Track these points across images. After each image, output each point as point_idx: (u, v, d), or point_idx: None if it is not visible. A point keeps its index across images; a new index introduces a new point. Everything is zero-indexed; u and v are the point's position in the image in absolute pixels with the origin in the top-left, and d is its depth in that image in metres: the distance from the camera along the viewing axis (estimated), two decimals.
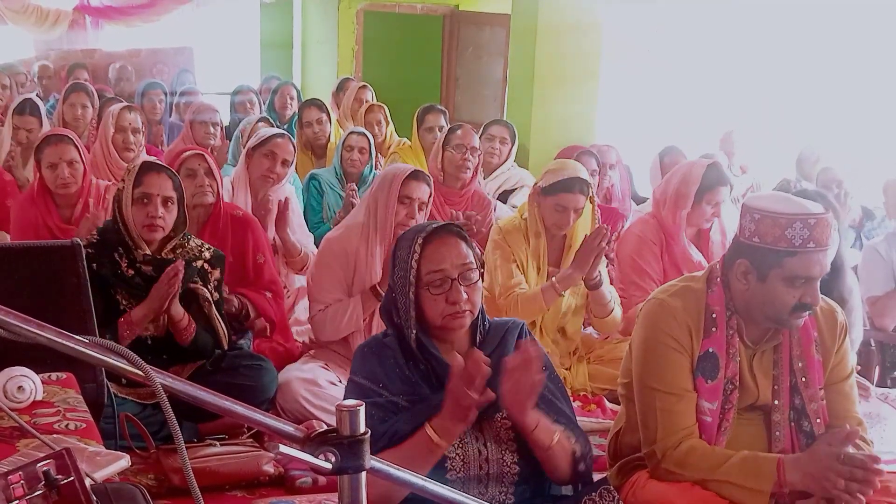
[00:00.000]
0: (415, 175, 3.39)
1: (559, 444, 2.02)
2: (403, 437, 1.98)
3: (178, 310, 3.06)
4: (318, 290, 3.40)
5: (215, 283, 3.22)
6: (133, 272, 3.05)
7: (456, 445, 2.03)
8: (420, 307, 2.06)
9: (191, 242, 3.20)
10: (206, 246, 3.25)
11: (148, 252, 3.07)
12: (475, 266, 2.09)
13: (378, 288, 3.25)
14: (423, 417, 1.99)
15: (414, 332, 2.06)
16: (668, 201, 3.82)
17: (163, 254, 3.12)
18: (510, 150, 5.28)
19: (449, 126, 4.77)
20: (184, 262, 3.03)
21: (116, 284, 3.04)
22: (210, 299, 3.17)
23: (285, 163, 4.18)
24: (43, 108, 5.16)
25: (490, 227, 4.41)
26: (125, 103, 4.97)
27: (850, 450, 2.06)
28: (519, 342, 2.03)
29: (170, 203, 3.08)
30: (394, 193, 3.33)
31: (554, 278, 3.52)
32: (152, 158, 3.25)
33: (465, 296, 2.04)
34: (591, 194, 3.61)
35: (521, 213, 3.72)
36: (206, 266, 3.18)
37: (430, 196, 3.43)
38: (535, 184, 3.72)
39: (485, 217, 4.63)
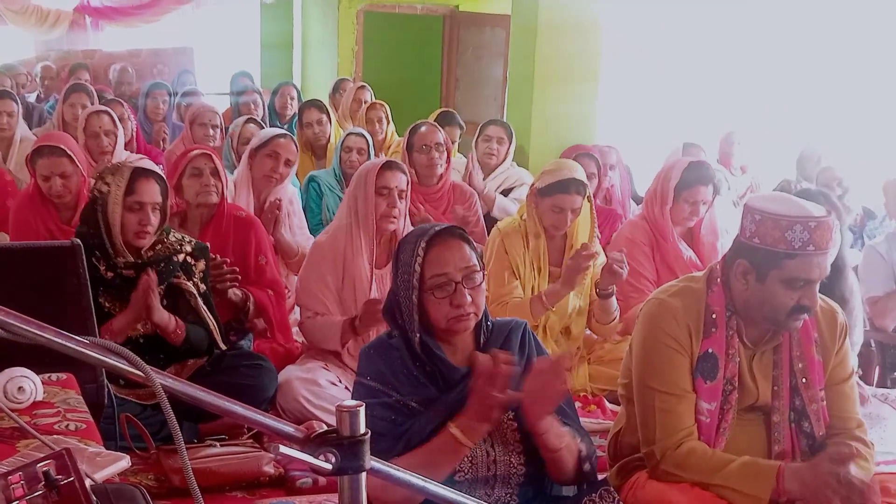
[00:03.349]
0: (389, 165, 3.42)
1: (567, 448, 2.02)
2: (421, 440, 1.98)
3: (163, 315, 3.02)
4: (306, 296, 3.42)
5: (200, 274, 3.18)
6: (113, 275, 3.02)
7: None
8: (424, 310, 2.06)
9: (170, 237, 3.15)
10: (187, 238, 3.22)
11: (130, 258, 3.03)
12: (479, 268, 2.09)
13: (357, 322, 3.22)
14: (439, 419, 1.99)
15: (418, 335, 2.06)
16: (656, 198, 3.88)
17: (142, 252, 3.08)
18: (508, 149, 5.29)
19: (411, 126, 4.78)
20: (154, 272, 2.98)
21: (97, 287, 2.97)
22: (196, 293, 3.14)
23: (288, 163, 4.19)
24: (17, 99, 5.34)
25: (477, 218, 4.44)
26: (94, 108, 4.96)
27: (853, 469, 2.06)
28: (562, 354, 2.02)
29: (157, 208, 3.07)
30: (370, 186, 3.36)
31: (543, 292, 3.55)
32: (144, 163, 3.16)
33: (469, 298, 2.04)
34: (587, 194, 3.62)
35: (521, 214, 3.73)
36: (188, 259, 3.14)
37: (407, 184, 3.46)
38: (532, 185, 3.73)
39: (469, 208, 4.64)
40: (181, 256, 3.14)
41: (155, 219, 3.05)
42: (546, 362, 1.96)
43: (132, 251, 3.05)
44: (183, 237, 3.21)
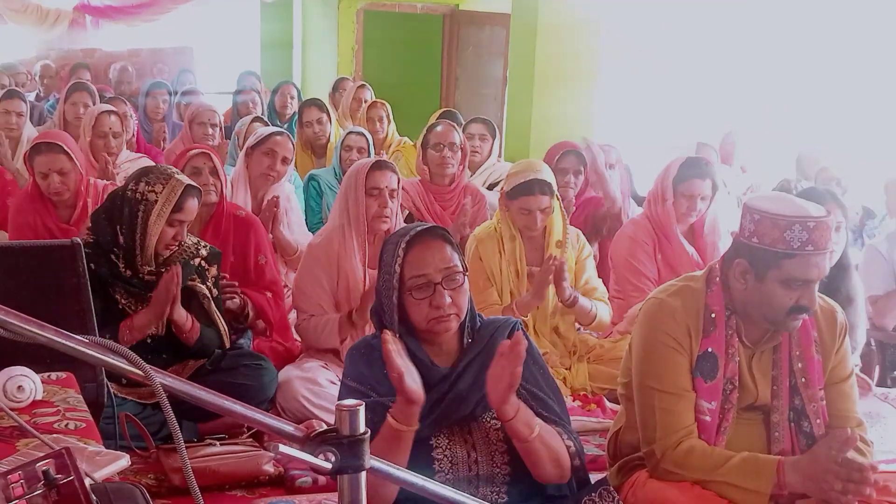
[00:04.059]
0: (378, 165, 3.42)
1: (539, 439, 2.00)
2: None
3: (182, 313, 3.04)
4: (302, 298, 3.43)
5: (213, 279, 3.22)
6: (131, 273, 3.03)
7: (443, 447, 2.03)
8: (404, 311, 2.05)
9: (187, 241, 3.18)
10: (203, 243, 3.25)
11: (152, 267, 3.05)
12: (460, 269, 2.07)
13: (354, 315, 3.25)
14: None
15: (398, 336, 2.05)
16: (657, 197, 3.91)
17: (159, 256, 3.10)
18: (491, 145, 5.31)
19: (427, 125, 4.80)
20: (180, 267, 3.01)
21: (114, 284, 3.02)
22: (209, 296, 3.17)
23: (285, 160, 4.18)
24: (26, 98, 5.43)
25: (484, 221, 4.44)
26: (104, 108, 4.95)
27: (850, 454, 2.06)
28: (515, 333, 2.03)
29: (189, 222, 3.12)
30: (360, 187, 3.36)
31: (514, 303, 3.56)
32: (188, 179, 3.15)
33: (448, 300, 2.03)
34: (554, 193, 3.62)
35: (497, 219, 3.74)
36: (203, 263, 3.18)
37: (398, 182, 3.46)
38: (501, 188, 3.75)
39: (479, 211, 4.65)
40: (197, 261, 3.16)
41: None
42: (506, 345, 1.95)
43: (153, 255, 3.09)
44: (198, 241, 3.24)
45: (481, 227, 3.88)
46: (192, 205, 3.07)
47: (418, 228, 2.09)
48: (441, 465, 2.02)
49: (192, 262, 3.14)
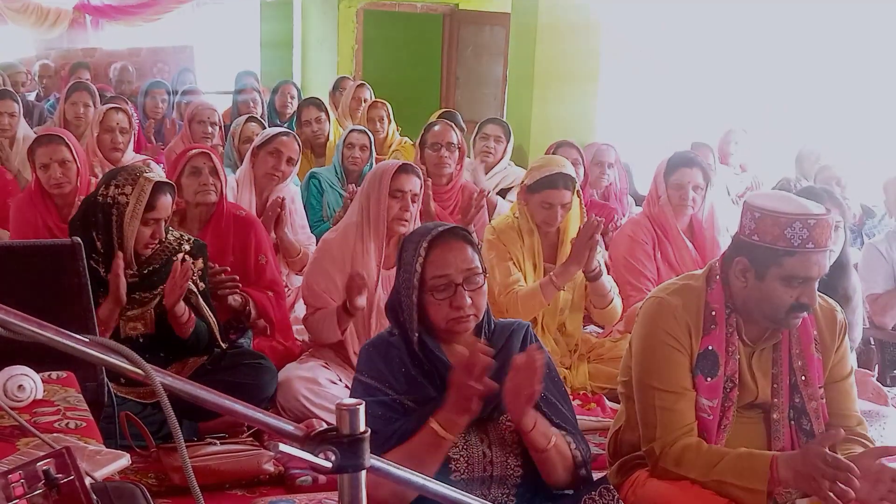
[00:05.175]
0: (404, 168, 3.41)
1: (555, 448, 2.01)
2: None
3: (181, 305, 3.05)
4: (310, 294, 3.41)
5: (199, 273, 3.19)
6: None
7: (460, 447, 2.02)
8: (424, 310, 2.06)
9: (169, 236, 3.16)
10: (186, 237, 3.23)
11: (133, 269, 3.03)
12: (480, 270, 2.08)
13: (348, 305, 3.21)
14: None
15: (417, 334, 2.06)
16: (653, 195, 3.95)
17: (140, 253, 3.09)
18: (505, 148, 5.30)
19: (426, 124, 4.81)
20: (125, 257, 2.97)
21: (97, 289, 2.96)
22: (196, 291, 3.15)
23: (290, 161, 4.19)
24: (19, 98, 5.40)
25: (481, 221, 4.43)
26: (112, 104, 4.97)
27: (856, 449, 2.06)
28: (529, 347, 2.03)
29: (167, 219, 3.09)
30: (385, 188, 3.35)
31: (552, 273, 3.53)
32: (158, 176, 3.12)
33: (469, 300, 2.04)
34: (576, 189, 3.62)
35: (514, 212, 3.74)
36: (187, 258, 3.14)
37: (421, 188, 3.45)
38: (522, 182, 3.75)
39: (476, 211, 4.65)
40: (180, 255, 3.14)
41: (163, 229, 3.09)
42: (522, 359, 1.94)
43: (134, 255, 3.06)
44: (182, 235, 3.22)
45: (498, 219, 3.88)
46: (165, 201, 3.04)
47: (440, 228, 2.09)
48: (457, 465, 2.02)
49: (174, 258, 3.11)
